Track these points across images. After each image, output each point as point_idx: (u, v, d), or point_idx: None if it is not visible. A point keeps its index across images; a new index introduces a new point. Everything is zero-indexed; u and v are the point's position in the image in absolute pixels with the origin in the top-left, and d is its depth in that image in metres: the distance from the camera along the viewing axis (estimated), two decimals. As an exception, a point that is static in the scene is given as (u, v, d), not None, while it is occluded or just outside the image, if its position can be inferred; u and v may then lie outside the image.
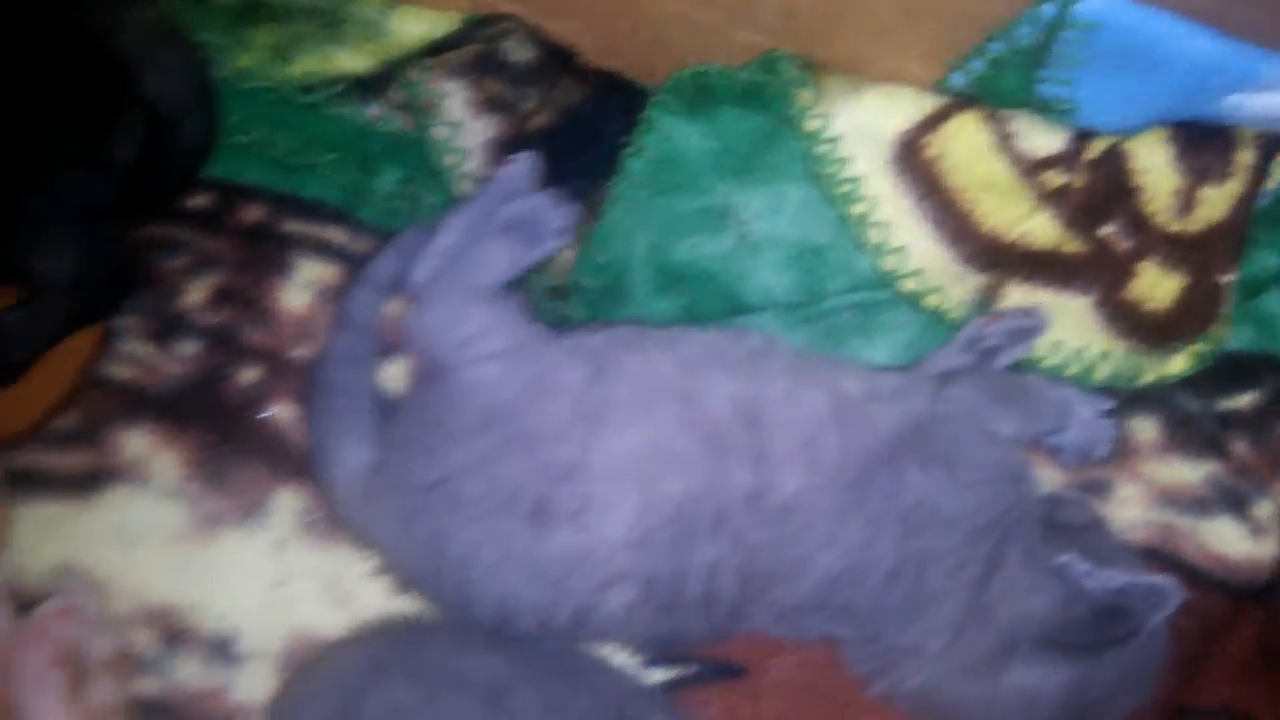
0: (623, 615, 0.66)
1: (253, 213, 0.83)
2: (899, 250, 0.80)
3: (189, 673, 0.76)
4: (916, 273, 0.80)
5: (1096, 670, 0.66)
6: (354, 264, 0.81)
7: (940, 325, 0.81)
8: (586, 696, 0.68)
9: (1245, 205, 0.80)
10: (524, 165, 0.78)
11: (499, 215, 0.76)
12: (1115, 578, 0.65)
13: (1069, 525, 0.71)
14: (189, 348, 0.80)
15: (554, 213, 0.76)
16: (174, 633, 0.76)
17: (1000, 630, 0.67)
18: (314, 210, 0.83)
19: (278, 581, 0.77)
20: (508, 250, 0.74)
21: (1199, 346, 0.79)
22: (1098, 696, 0.67)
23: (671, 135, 0.81)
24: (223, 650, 0.77)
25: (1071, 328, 0.80)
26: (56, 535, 0.76)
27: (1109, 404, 0.76)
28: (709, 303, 0.82)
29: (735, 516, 0.65)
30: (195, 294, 0.81)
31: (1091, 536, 0.72)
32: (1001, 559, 0.67)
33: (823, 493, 0.66)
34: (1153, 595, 0.65)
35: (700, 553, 0.65)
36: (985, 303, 0.80)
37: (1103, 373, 0.80)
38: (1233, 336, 0.81)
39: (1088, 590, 0.66)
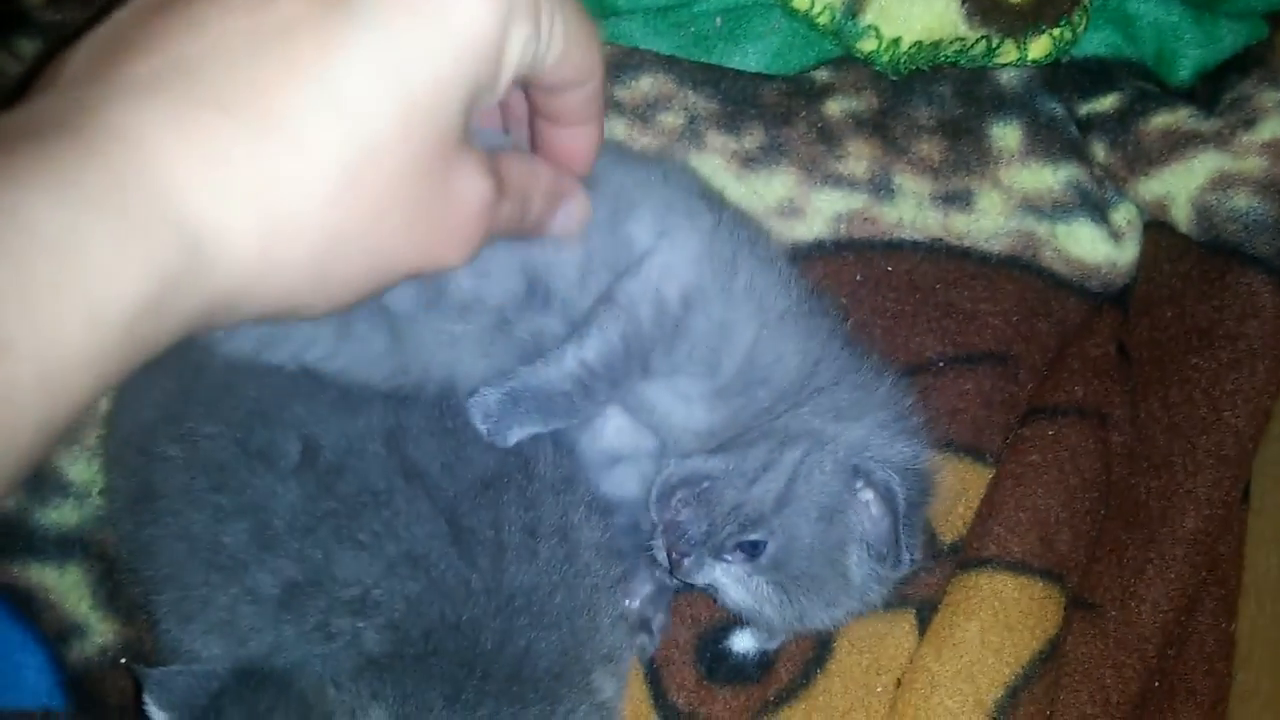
0: None
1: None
2: (769, -49, 0.78)
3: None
4: (786, -26, 0.78)
5: None
6: None
7: (810, 32, 0.79)
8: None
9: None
10: None
11: None
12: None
13: None
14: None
15: None
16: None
17: None
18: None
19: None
20: None
21: (1059, 31, 0.77)
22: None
23: None
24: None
25: (930, 23, 0.77)
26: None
27: None
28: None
29: None
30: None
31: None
32: None
33: None
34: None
35: None
36: (853, 8, 0.78)
37: (957, 57, 0.79)
38: (1095, 40, 0.81)
39: None
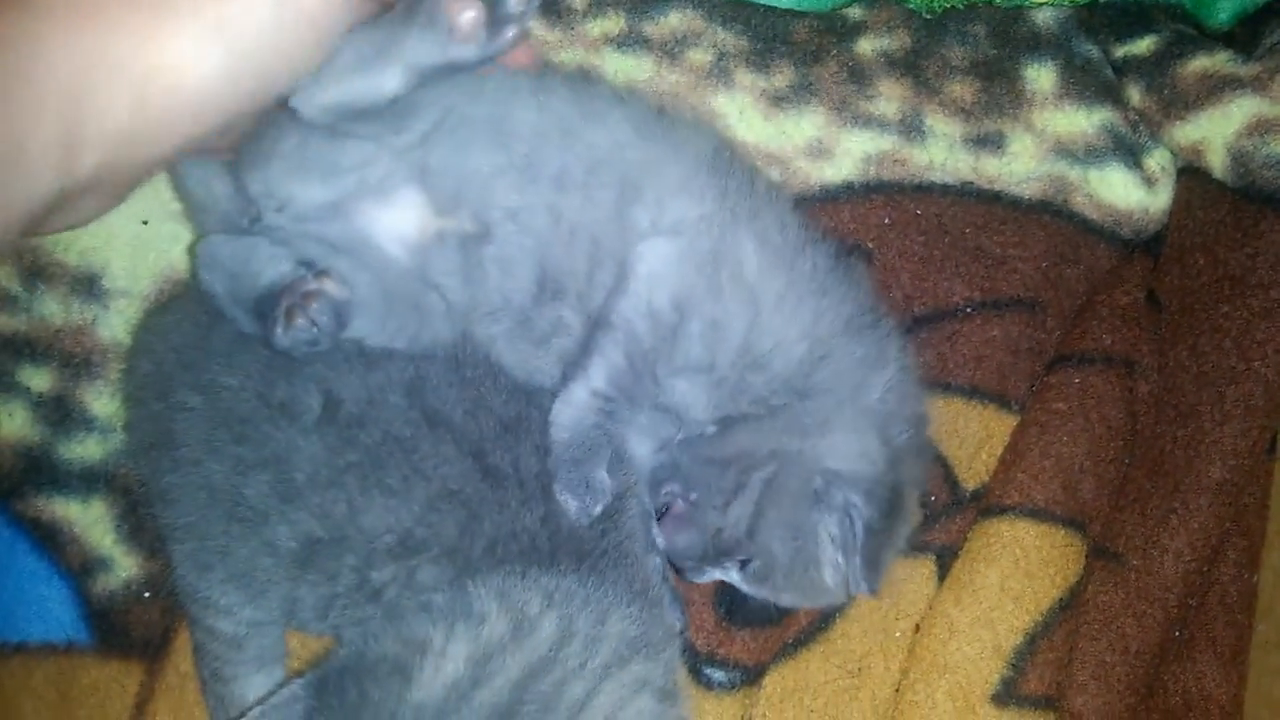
0: None
1: None
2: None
3: (52, 309, 0.74)
4: (819, -91, 0.76)
5: None
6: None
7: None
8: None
9: None
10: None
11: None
12: None
13: None
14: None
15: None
16: (37, 267, 0.73)
17: None
18: None
19: (145, 219, 0.74)
20: None
21: (1100, -30, 0.76)
22: None
23: None
24: (88, 286, 0.74)
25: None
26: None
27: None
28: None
29: None
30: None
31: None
32: None
33: None
34: None
35: None
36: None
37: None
38: (1135, -18, 0.79)
39: None
